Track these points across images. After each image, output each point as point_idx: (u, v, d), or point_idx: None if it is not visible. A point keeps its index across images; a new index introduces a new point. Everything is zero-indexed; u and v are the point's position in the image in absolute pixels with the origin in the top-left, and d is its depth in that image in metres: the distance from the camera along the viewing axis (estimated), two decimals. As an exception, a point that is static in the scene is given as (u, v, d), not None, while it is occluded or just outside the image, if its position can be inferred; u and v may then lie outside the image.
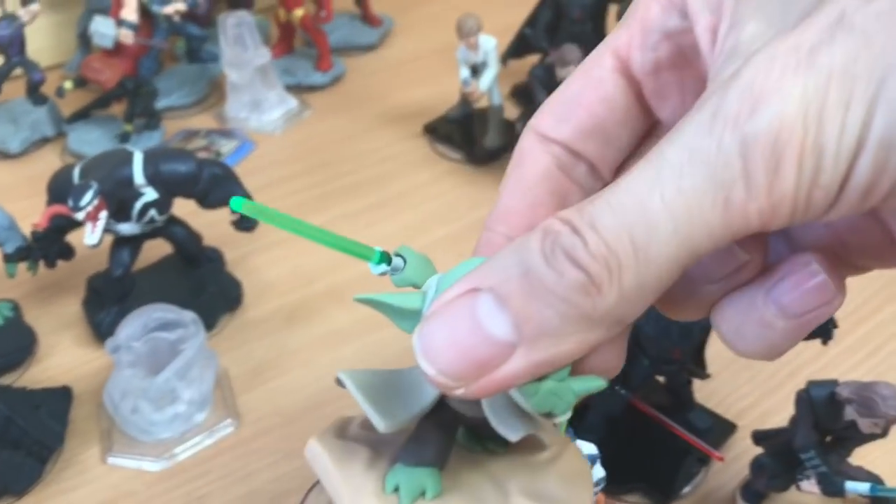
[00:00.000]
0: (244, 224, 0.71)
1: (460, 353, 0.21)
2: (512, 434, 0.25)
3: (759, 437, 0.56)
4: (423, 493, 0.29)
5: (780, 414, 0.65)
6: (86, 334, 0.73)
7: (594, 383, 0.25)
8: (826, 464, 0.50)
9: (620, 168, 0.27)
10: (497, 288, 0.21)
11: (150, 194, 0.66)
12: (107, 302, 0.72)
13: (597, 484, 0.43)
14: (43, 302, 0.76)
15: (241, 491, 0.61)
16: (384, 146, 0.98)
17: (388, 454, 0.31)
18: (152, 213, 0.67)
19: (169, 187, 0.67)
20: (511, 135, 0.93)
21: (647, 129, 0.27)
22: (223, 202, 0.70)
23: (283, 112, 1.00)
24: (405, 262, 0.28)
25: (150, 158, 0.66)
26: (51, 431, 0.62)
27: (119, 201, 0.64)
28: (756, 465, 0.55)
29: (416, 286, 0.28)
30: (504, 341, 0.21)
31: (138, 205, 0.66)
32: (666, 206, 0.20)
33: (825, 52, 0.19)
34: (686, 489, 0.60)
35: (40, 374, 0.70)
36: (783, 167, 0.19)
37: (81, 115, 0.98)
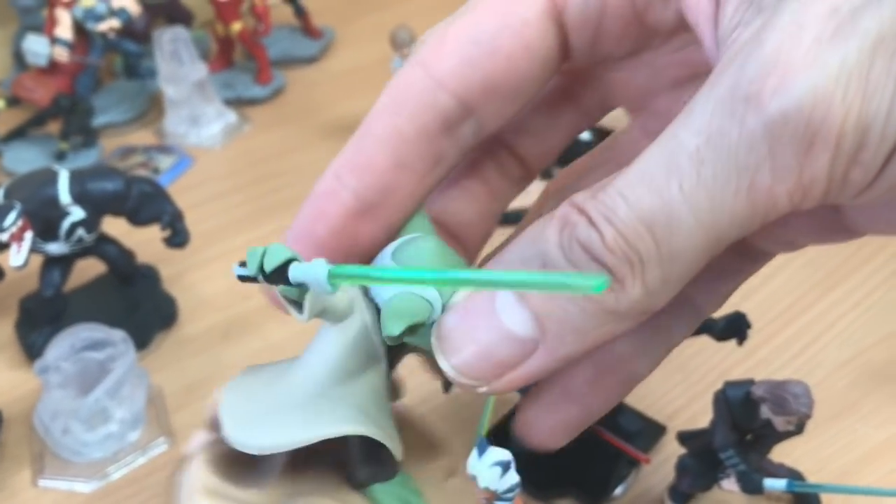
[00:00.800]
0: (175, 240, 0.70)
1: (482, 353, 0.20)
2: None
3: (684, 437, 0.57)
4: None
5: (710, 415, 0.66)
6: (17, 357, 0.73)
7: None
8: (745, 462, 0.51)
9: (512, 124, 0.23)
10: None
11: (77, 213, 0.65)
12: (39, 323, 0.71)
13: (510, 490, 0.44)
14: (-26, 324, 0.75)
15: (175, 509, 0.61)
16: (324, 158, 0.96)
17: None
18: (80, 232, 0.66)
19: (97, 206, 0.66)
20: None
21: (552, 86, 0.24)
22: (153, 219, 0.70)
23: (222, 126, 1.00)
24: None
25: (77, 177, 0.65)
26: (-21, 456, 0.62)
27: (45, 221, 0.64)
28: (680, 465, 0.55)
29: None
30: (526, 338, 0.20)
31: (65, 224, 0.65)
32: (686, 197, 0.18)
33: (870, 16, 0.16)
34: (617, 491, 0.61)
35: (-28, 397, 0.69)
36: (816, 147, 0.16)
37: (17, 134, 0.97)
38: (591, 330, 0.20)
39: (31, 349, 0.71)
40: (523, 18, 0.22)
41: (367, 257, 0.24)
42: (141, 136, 1.01)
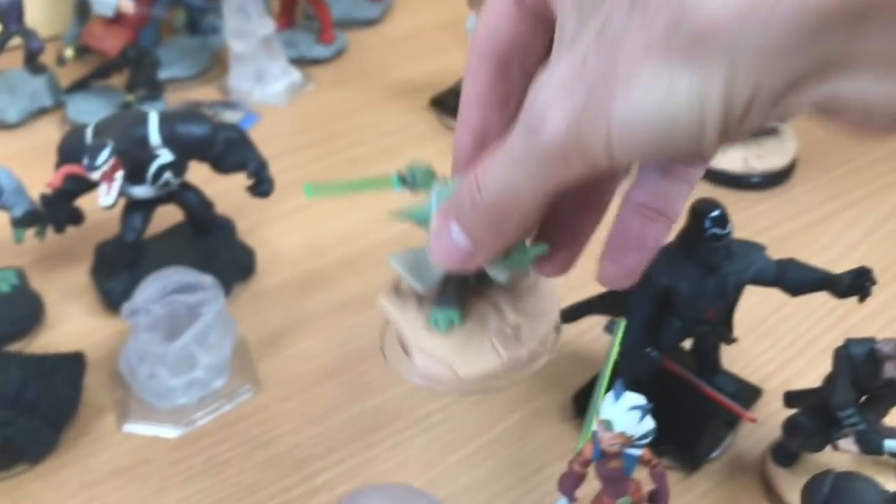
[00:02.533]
0: (261, 189, 0.69)
1: (450, 258, 0.31)
2: (501, 277, 0.38)
3: (792, 397, 0.56)
4: (451, 322, 0.45)
5: (802, 379, 0.65)
6: (94, 303, 0.72)
7: (538, 249, 0.36)
8: (865, 421, 0.50)
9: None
10: (458, 218, 0.29)
11: (166, 156, 0.64)
12: (117, 269, 0.70)
13: (646, 436, 0.42)
14: (49, 270, 0.74)
15: (263, 456, 0.60)
16: (389, 119, 0.97)
17: (428, 301, 0.45)
18: (167, 175, 0.65)
19: (184, 149, 0.65)
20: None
21: None
22: (238, 167, 0.69)
23: (286, 84, 0.99)
24: (415, 177, 0.40)
25: (166, 119, 0.64)
26: (66, 398, 0.61)
27: (134, 162, 0.63)
28: (791, 425, 0.54)
29: (426, 191, 0.39)
30: (468, 249, 0.30)
31: (153, 167, 0.64)
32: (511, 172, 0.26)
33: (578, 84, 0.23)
34: (714, 453, 0.59)
35: (48, 342, 0.68)
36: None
37: (80, 86, 0.95)
38: (492, 238, 0.29)
39: (109, 295, 0.70)
40: None
41: None
42: (203, 92, 1.00)
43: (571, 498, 0.46)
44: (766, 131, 0.86)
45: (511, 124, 0.26)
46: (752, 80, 0.20)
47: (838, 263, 0.73)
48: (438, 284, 0.44)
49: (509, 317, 0.47)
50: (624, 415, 0.42)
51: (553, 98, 0.23)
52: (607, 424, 0.42)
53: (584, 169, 0.24)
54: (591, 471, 0.47)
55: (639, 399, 0.42)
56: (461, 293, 0.47)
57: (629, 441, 0.42)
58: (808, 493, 0.49)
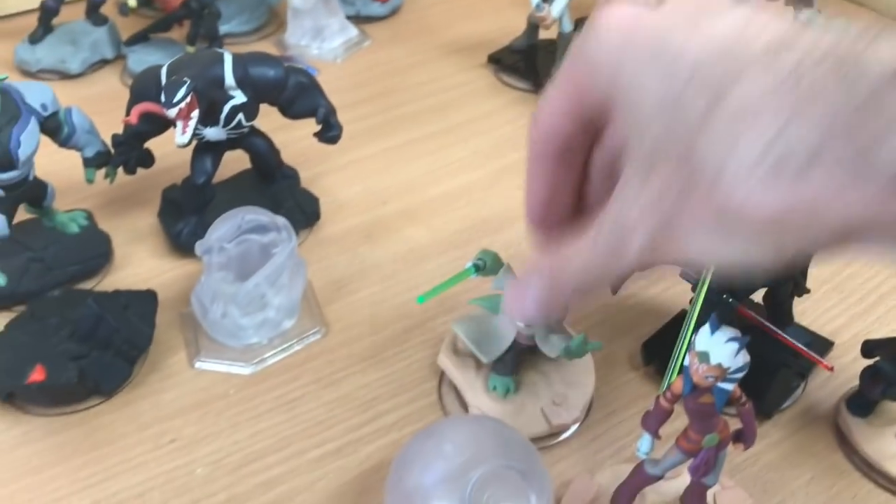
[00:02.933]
0: (329, 134, 0.69)
1: (522, 316, 0.32)
2: (552, 354, 0.52)
3: (871, 346, 0.55)
4: (508, 390, 0.56)
5: (873, 334, 0.64)
6: (162, 245, 0.72)
7: (595, 345, 0.53)
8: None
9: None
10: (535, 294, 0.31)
11: (240, 97, 0.64)
12: (186, 211, 0.70)
13: (741, 370, 0.42)
14: (117, 213, 0.75)
15: (332, 396, 0.60)
16: (447, 76, 0.96)
17: (486, 367, 0.57)
18: (240, 117, 0.65)
19: (257, 91, 0.65)
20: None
21: None
22: (308, 112, 0.69)
23: (343, 40, 0.99)
24: (485, 264, 0.54)
25: (240, 61, 0.64)
26: (140, 332, 0.61)
27: (209, 102, 0.63)
28: (871, 372, 0.54)
29: (495, 275, 0.54)
30: (538, 313, 0.31)
31: (227, 108, 0.64)
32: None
33: None
34: (786, 403, 0.59)
35: (117, 283, 0.69)
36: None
37: (141, 38, 0.96)
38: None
39: (177, 238, 0.70)
40: None
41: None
42: (261, 47, 1.00)
43: (656, 435, 0.46)
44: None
45: (570, 188, 0.31)
46: (797, 246, 0.23)
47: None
48: (502, 354, 0.55)
49: (557, 387, 0.57)
50: (722, 346, 0.41)
51: (634, 223, 0.26)
52: (703, 356, 0.42)
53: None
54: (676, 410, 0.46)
55: (736, 331, 0.41)
56: (516, 363, 0.56)
57: (724, 374, 0.42)
58: None
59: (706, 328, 0.42)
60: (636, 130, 0.26)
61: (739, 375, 0.42)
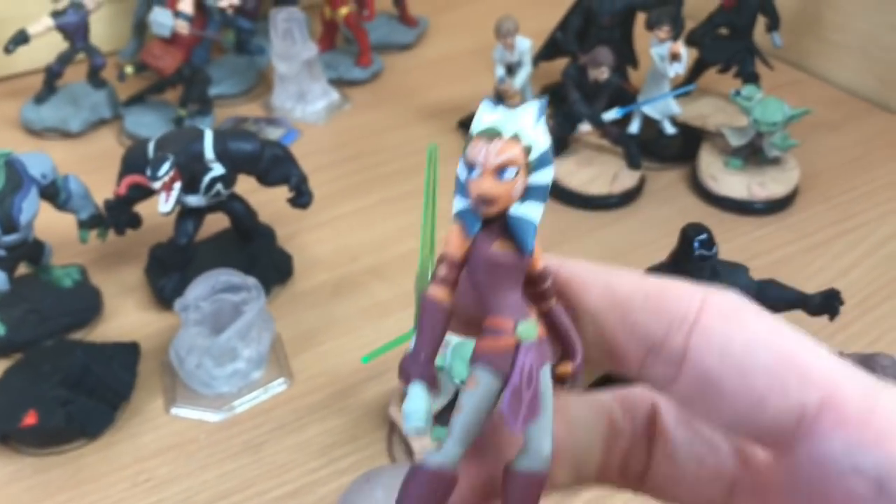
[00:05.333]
0: (301, 200, 0.76)
1: None
2: None
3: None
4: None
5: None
6: (147, 299, 0.80)
7: None
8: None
9: None
10: None
11: (218, 169, 0.72)
12: (169, 269, 0.78)
13: (544, 159, 0.23)
14: (107, 268, 0.82)
15: (294, 441, 0.67)
16: (420, 138, 1.04)
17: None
18: (219, 186, 0.73)
19: (235, 163, 0.73)
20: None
21: None
22: (282, 180, 0.76)
23: (326, 104, 1.06)
24: None
25: (219, 137, 0.72)
26: (122, 381, 0.68)
27: (191, 174, 0.70)
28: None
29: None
30: None
31: (207, 178, 0.72)
32: None
33: None
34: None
35: (105, 333, 0.76)
36: None
37: (137, 100, 1.04)
38: None
39: (161, 292, 0.77)
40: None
41: None
42: (249, 109, 1.08)
43: (430, 380, 0.23)
44: (769, 161, 0.92)
45: None
46: None
47: (833, 284, 0.79)
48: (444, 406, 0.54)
49: None
50: (513, 114, 0.23)
51: None
52: (489, 132, 0.23)
53: None
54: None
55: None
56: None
57: (526, 161, 0.22)
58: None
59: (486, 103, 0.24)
60: None
61: (545, 176, 0.23)
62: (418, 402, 0.23)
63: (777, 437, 0.22)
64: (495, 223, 0.23)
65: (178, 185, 0.69)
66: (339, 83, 1.11)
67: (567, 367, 0.24)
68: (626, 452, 0.26)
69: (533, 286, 0.24)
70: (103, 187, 0.77)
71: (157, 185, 0.68)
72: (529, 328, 0.23)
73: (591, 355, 0.25)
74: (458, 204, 0.23)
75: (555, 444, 0.23)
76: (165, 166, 0.67)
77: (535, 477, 0.23)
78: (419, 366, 0.23)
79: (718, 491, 0.25)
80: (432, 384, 0.23)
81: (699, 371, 0.23)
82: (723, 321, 0.23)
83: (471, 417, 0.23)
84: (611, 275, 0.24)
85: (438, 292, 0.23)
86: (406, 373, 0.23)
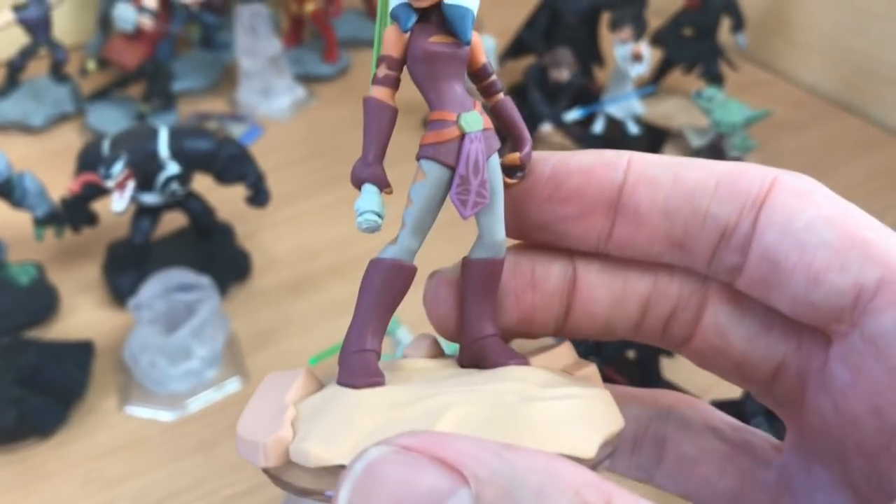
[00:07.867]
0: (257, 199, 0.77)
1: None
2: None
3: (716, 405, 0.62)
4: None
5: (739, 392, 0.72)
6: (104, 296, 0.79)
7: None
8: (773, 430, 0.57)
9: None
10: (480, 487, 0.15)
11: (173, 168, 0.72)
12: (126, 267, 0.77)
13: None
14: (64, 266, 0.82)
15: (247, 440, 0.67)
16: (385, 136, 1.04)
17: None
18: (174, 185, 0.72)
19: (190, 162, 0.72)
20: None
21: None
22: (238, 179, 0.76)
23: (291, 100, 1.06)
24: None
25: (175, 135, 0.72)
26: (75, 379, 0.68)
27: (145, 173, 0.70)
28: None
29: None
30: None
31: (162, 177, 0.72)
32: None
33: None
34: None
35: (62, 331, 0.76)
36: None
37: (101, 95, 1.03)
38: None
39: (118, 290, 0.77)
40: None
41: None
42: (214, 104, 1.08)
43: (382, 181, 0.24)
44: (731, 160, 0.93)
45: None
46: None
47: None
48: None
49: None
50: None
51: None
52: None
53: None
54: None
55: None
56: None
57: None
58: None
59: None
60: None
61: None
62: (370, 200, 0.23)
63: (834, 316, 0.21)
64: (432, 16, 0.23)
65: (131, 184, 0.69)
66: (305, 79, 1.11)
67: (515, 157, 0.25)
68: (669, 315, 0.26)
69: (477, 80, 0.24)
70: (65, 183, 0.76)
71: (110, 184, 0.68)
72: (473, 119, 0.23)
73: (659, 251, 0.24)
74: (394, 1, 0.23)
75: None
76: (118, 165, 0.67)
77: (491, 263, 0.24)
78: (368, 167, 0.23)
79: (762, 371, 0.25)
80: (382, 184, 0.23)
81: (762, 250, 0.22)
82: (791, 198, 0.22)
83: (422, 209, 0.23)
84: (679, 166, 0.24)
85: (380, 92, 0.23)
86: (357, 177, 0.23)
